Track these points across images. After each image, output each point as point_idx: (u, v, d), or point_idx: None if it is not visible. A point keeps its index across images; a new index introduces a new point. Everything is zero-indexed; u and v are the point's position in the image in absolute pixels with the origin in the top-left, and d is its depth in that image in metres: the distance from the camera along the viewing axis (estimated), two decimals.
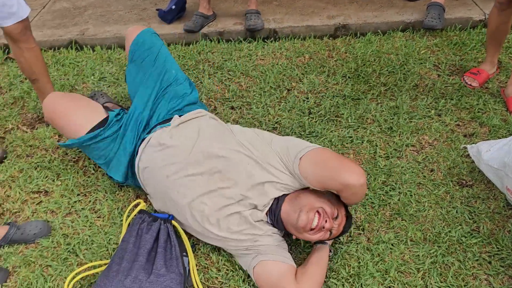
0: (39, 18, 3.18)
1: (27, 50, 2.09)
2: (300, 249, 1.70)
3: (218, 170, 1.58)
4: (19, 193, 1.95)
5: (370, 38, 2.82)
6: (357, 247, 1.68)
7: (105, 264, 1.59)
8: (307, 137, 2.16)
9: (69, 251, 1.71)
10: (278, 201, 1.58)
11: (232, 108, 2.37)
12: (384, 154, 2.06)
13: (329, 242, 1.62)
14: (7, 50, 2.93)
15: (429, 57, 2.64)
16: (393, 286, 1.55)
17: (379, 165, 2.00)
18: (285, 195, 1.59)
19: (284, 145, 1.61)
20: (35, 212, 1.87)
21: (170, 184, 1.62)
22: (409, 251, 1.66)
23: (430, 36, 2.82)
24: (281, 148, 1.60)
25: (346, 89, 2.43)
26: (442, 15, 2.81)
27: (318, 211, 1.49)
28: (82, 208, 1.87)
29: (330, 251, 1.61)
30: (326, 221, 1.47)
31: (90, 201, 1.90)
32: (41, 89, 2.21)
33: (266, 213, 1.60)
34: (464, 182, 1.92)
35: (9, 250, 1.72)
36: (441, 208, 1.81)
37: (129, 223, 1.69)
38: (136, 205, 1.79)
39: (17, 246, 1.73)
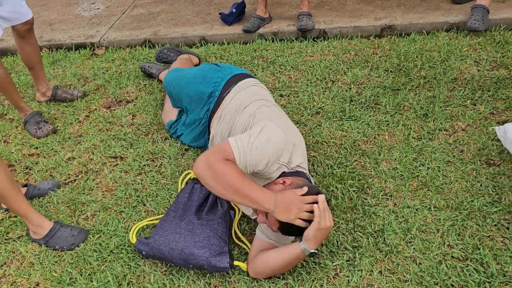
0: (120, 22, 3.68)
1: (29, 45, 2.58)
2: None
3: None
4: (100, 157, 2.35)
5: (414, 38, 3.01)
6: (384, 209, 1.88)
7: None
8: (347, 120, 2.39)
9: (138, 201, 2.06)
10: None
11: (281, 95, 2.65)
12: (417, 136, 2.24)
13: (310, 246, 1.55)
14: (92, 48, 3.43)
15: (470, 54, 2.78)
16: (413, 242, 1.74)
17: (411, 145, 2.18)
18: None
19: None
20: (112, 171, 2.25)
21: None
22: (432, 215, 1.84)
23: (473, 36, 2.95)
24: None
25: (387, 81, 2.64)
26: (486, 17, 2.93)
27: None
28: (150, 170, 2.22)
29: (316, 251, 1.56)
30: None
31: (156, 165, 2.26)
32: (36, 75, 2.76)
33: None
34: (492, 161, 2.06)
35: (91, 198, 2.10)
36: (466, 182, 1.96)
37: (186, 182, 2.02)
38: (187, 174, 2.11)
39: (96, 195, 2.11)
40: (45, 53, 3.45)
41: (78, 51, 3.44)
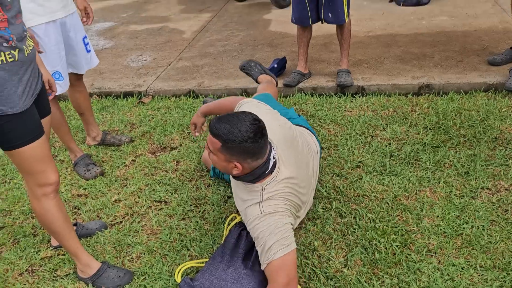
0: (166, 73, 3.89)
1: (78, 92, 2.75)
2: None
3: None
4: (145, 200, 2.43)
5: (452, 97, 3.07)
6: (428, 266, 1.87)
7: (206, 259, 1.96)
8: (388, 175, 2.42)
9: (182, 245, 2.11)
10: None
11: (321, 148, 2.72)
12: (459, 193, 2.24)
13: None
14: (139, 96, 3.62)
15: (510, 114, 2.81)
16: None
17: (453, 202, 2.18)
18: None
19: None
20: (157, 214, 2.32)
21: None
22: (478, 275, 1.81)
23: None
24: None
25: (426, 138, 2.68)
26: None
27: None
28: (193, 216, 2.29)
29: None
30: None
31: (200, 210, 2.32)
32: (86, 120, 2.91)
33: None
34: None
35: (136, 240, 2.16)
36: None
37: (230, 229, 2.06)
38: (233, 219, 2.16)
39: (142, 238, 2.17)
40: (95, 100, 3.66)
41: (126, 98, 3.63)
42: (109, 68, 4.13)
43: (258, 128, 1.70)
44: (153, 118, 3.27)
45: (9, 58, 1.49)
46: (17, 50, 1.50)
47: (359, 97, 3.24)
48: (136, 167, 2.74)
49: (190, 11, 5.72)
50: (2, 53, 1.47)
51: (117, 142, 2.99)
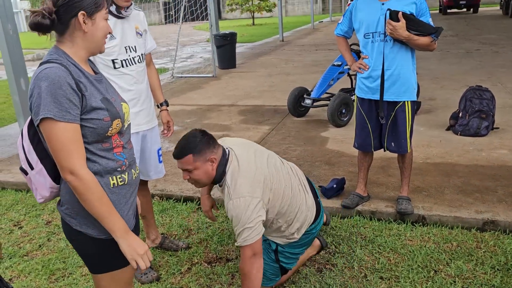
0: None
1: (141, 196, 2.85)
2: None
3: None
4: None
5: None
6: None
7: None
8: None
9: None
10: None
11: (381, 278, 2.63)
12: None
13: None
14: (199, 202, 3.74)
15: None
16: None
17: None
18: None
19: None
20: None
21: None
22: None
23: None
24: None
25: (495, 280, 2.54)
26: None
27: None
28: None
29: None
30: None
31: None
32: (147, 223, 3.01)
33: None
34: None
35: None
36: None
37: None
38: None
39: None
40: (156, 201, 3.81)
41: (185, 203, 3.76)
42: (172, 171, 4.34)
43: (197, 130, 2.29)
44: (210, 226, 3.33)
45: (120, 181, 1.59)
46: (126, 173, 1.62)
47: (419, 226, 3.18)
48: (191, 275, 2.74)
49: (250, 122, 6.05)
50: (115, 177, 1.57)
51: (175, 247, 3.03)
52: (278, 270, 2.52)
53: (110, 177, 1.56)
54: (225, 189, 2.24)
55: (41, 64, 1.47)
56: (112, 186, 1.56)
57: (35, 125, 1.46)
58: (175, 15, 19.94)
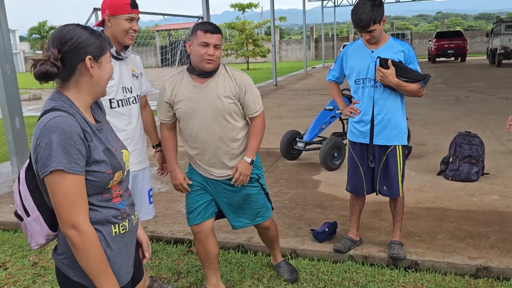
0: (217, 222, 3.98)
1: None
2: None
3: None
4: None
5: None
6: None
7: None
8: None
9: None
10: None
11: None
12: None
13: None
14: (189, 245, 3.68)
15: None
16: None
17: None
18: None
19: None
20: None
21: None
22: None
23: None
24: None
25: None
26: None
27: None
28: None
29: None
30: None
31: None
32: None
33: None
34: None
35: None
36: None
37: None
38: None
39: None
40: None
41: (176, 245, 3.70)
42: (163, 212, 4.30)
43: None
44: (200, 269, 3.26)
45: (122, 230, 1.55)
46: (127, 220, 1.57)
47: (412, 271, 3.14)
48: None
49: None
50: (117, 226, 1.52)
51: None
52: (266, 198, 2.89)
53: (112, 226, 1.51)
54: (221, 70, 2.62)
55: (46, 112, 1.42)
56: (114, 235, 1.52)
57: (40, 177, 1.39)
58: (171, 58, 20.37)
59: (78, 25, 1.49)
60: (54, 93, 1.49)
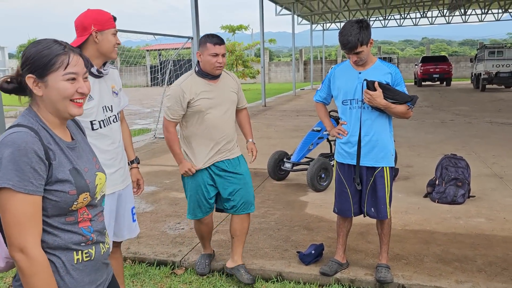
0: (200, 245, 3.91)
1: (114, 259, 2.61)
2: None
3: None
4: None
5: None
6: None
7: None
8: None
9: None
10: None
11: None
12: None
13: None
14: (172, 267, 3.58)
15: None
16: None
17: None
18: None
19: None
20: None
21: None
22: None
23: None
24: None
25: None
26: None
27: None
28: None
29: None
30: None
31: None
32: None
33: None
34: None
35: None
36: None
37: None
38: None
39: None
40: (128, 265, 3.64)
41: (158, 267, 3.60)
42: (146, 233, 4.20)
43: None
44: None
45: (86, 257, 1.45)
46: (93, 247, 1.48)
47: None
48: None
49: None
50: (80, 252, 1.42)
51: None
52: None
53: (74, 252, 1.42)
54: (223, 72, 3.15)
55: (10, 128, 1.38)
56: (76, 262, 1.42)
57: None
58: (161, 77, 20.38)
59: (44, 40, 1.44)
60: (25, 108, 1.46)
